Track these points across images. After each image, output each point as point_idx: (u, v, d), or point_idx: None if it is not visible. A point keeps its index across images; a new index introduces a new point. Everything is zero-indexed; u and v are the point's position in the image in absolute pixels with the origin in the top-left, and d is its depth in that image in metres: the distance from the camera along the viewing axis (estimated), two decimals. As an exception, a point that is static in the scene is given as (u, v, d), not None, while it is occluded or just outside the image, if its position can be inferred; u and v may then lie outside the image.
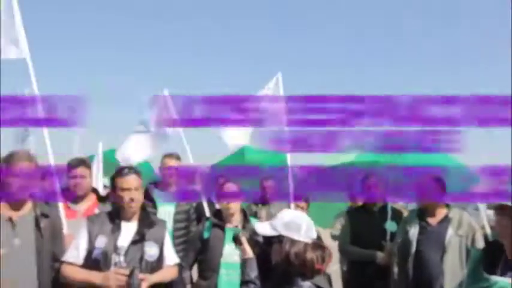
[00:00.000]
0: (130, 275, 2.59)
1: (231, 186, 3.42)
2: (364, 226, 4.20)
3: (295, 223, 2.22)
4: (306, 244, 2.18)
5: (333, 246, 3.93)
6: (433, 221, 3.73)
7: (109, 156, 6.16)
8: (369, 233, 4.12)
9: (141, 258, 2.77)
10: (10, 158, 2.80)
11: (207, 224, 3.44)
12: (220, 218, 3.40)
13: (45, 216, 2.90)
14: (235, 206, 3.38)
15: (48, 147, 3.74)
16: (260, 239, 2.40)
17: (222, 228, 3.33)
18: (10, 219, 2.76)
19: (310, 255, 2.15)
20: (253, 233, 2.43)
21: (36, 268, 2.80)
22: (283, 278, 2.17)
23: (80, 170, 3.63)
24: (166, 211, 4.22)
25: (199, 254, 3.38)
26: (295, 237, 2.19)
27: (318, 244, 2.23)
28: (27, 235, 2.79)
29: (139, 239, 2.80)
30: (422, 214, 3.81)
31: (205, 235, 3.35)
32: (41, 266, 2.81)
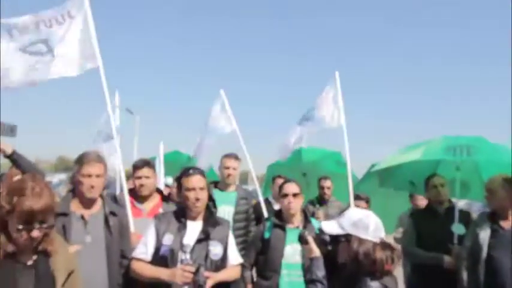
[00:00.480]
0: (196, 272, 2.64)
1: (292, 187, 3.39)
2: (429, 228, 4.01)
3: (363, 222, 2.18)
4: (374, 244, 2.14)
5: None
6: (506, 224, 3.51)
7: (170, 158, 6.35)
8: (435, 235, 3.92)
9: (206, 257, 2.82)
10: (82, 159, 2.96)
11: (268, 224, 3.43)
12: (281, 218, 3.39)
13: (113, 214, 3.04)
14: (296, 206, 3.35)
15: (118, 148, 3.92)
16: (327, 238, 2.37)
17: (283, 229, 3.31)
18: (82, 217, 2.92)
19: (380, 255, 2.11)
20: (320, 231, 2.41)
21: (106, 264, 2.93)
22: (351, 278, 2.13)
23: (145, 171, 3.74)
24: (225, 211, 4.28)
25: (260, 253, 3.39)
26: (363, 236, 2.15)
27: (387, 244, 2.17)
28: (97, 232, 2.94)
29: (204, 238, 2.86)
30: (493, 217, 3.59)
31: (266, 235, 3.35)
32: (110, 262, 2.95)
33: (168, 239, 2.83)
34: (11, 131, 2.77)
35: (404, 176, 4.65)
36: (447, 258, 3.77)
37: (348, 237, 2.18)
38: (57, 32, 3.91)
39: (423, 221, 4.13)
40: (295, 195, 3.36)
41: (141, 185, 3.72)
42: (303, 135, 5.50)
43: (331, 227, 2.27)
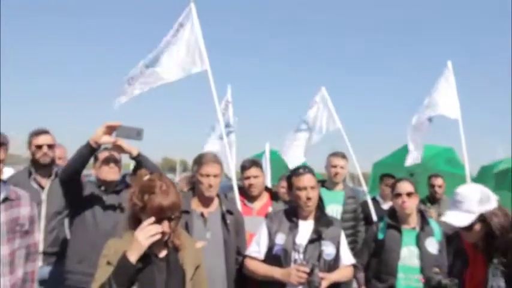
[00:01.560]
0: (311, 273, 2.63)
1: (406, 185, 3.22)
2: None
3: (484, 196, 2.14)
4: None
5: None
6: None
7: (273, 157, 6.39)
8: None
9: (319, 257, 2.80)
10: (200, 160, 3.11)
11: (381, 224, 3.31)
12: (395, 219, 3.24)
13: (230, 213, 3.15)
14: (411, 206, 3.18)
15: (227, 146, 4.07)
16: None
17: (399, 230, 3.17)
18: (202, 215, 3.07)
19: None
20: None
21: (224, 260, 3.04)
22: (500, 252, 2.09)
23: (253, 171, 3.82)
24: (333, 210, 4.22)
25: (373, 255, 3.27)
26: (492, 208, 2.11)
27: None
28: (216, 229, 3.06)
29: (316, 238, 2.83)
30: None
31: (380, 236, 3.22)
32: (228, 258, 3.06)
33: (280, 239, 2.85)
34: (138, 134, 2.97)
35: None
36: None
37: (480, 218, 2.11)
38: (167, 39, 4.17)
39: None
40: (409, 194, 3.20)
41: (250, 185, 3.80)
42: (418, 125, 5.21)
43: (462, 219, 2.17)
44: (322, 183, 4.47)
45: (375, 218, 4.58)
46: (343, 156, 4.50)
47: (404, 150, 5.73)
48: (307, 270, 2.65)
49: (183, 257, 2.17)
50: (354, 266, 3.12)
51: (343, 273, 2.90)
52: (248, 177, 3.82)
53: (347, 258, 2.98)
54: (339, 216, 4.17)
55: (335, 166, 4.38)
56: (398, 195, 3.22)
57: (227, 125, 5.50)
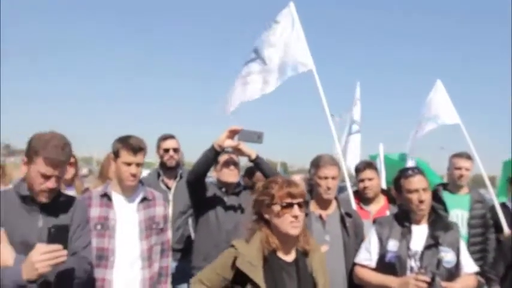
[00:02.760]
0: (432, 282, 2.45)
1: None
2: None
3: None
4: None
5: None
6: None
7: (375, 159, 6.13)
8: None
9: (438, 264, 2.61)
10: (318, 162, 3.10)
11: (520, 233, 2.99)
12: (537, 227, 2.91)
13: (348, 215, 3.10)
14: None
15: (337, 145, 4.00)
16: None
17: None
18: (320, 217, 3.05)
19: None
20: None
21: (345, 263, 2.99)
22: None
23: (367, 173, 3.72)
24: (458, 215, 3.94)
25: (511, 267, 2.96)
26: None
27: None
28: (335, 232, 3.02)
29: (433, 244, 2.65)
30: None
31: None
32: (348, 262, 2.99)
33: (393, 245, 2.71)
34: (258, 137, 3.07)
35: None
36: None
37: None
38: (264, 38, 4.18)
39: None
40: None
41: (365, 187, 3.72)
42: None
43: None
44: (444, 186, 4.19)
45: (505, 225, 4.15)
46: (468, 157, 4.16)
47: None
48: (428, 279, 2.46)
49: (311, 263, 2.14)
50: (488, 278, 2.86)
51: (467, 282, 2.67)
52: (362, 180, 3.74)
53: (469, 265, 2.74)
54: (464, 223, 3.89)
55: (459, 168, 4.06)
56: None
57: (355, 123, 5.46)
